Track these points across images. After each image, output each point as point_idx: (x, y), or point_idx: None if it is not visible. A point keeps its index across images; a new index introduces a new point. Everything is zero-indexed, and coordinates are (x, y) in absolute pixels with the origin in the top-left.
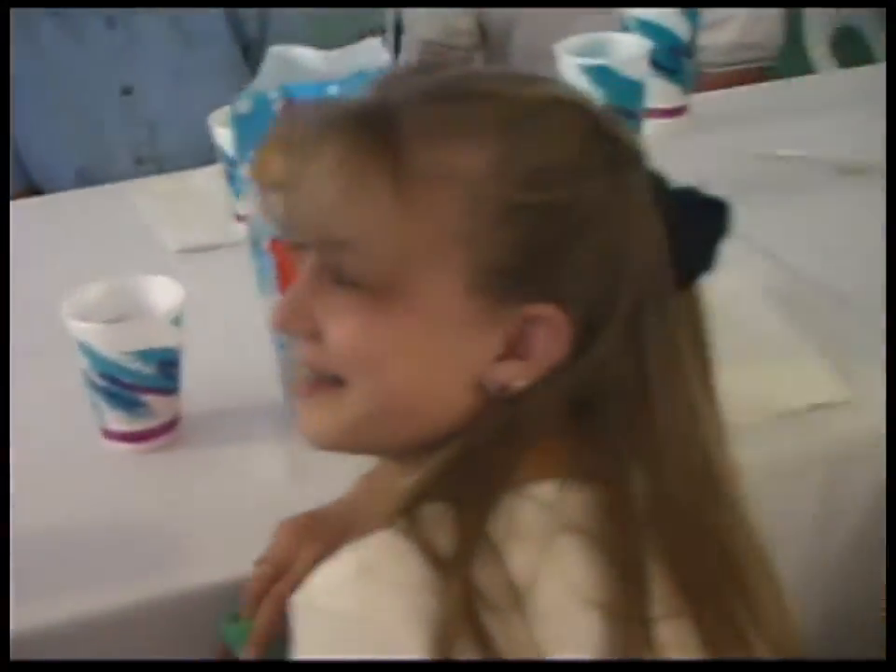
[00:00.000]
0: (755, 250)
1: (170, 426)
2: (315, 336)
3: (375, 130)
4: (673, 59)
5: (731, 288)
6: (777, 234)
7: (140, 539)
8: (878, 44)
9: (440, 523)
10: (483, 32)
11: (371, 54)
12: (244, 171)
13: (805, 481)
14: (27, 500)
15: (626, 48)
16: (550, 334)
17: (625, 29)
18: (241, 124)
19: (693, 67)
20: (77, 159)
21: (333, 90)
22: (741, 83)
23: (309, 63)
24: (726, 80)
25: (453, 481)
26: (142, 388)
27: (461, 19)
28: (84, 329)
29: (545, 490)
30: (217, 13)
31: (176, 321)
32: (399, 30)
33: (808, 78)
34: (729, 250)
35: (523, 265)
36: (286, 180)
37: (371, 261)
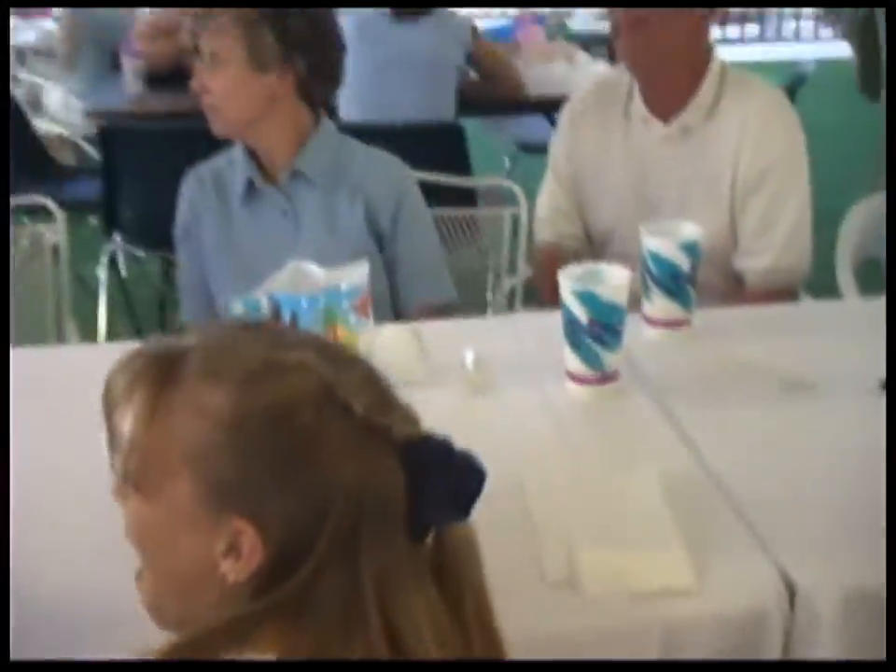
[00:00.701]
0: (683, 441)
1: None
2: None
3: (163, 365)
4: (674, 283)
5: (641, 473)
6: (711, 433)
7: None
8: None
9: None
10: (588, 237)
11: (356, 273)
12: None
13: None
14: None
15: (614, 277)
16: (249, 546)
17: (643, 259)
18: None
19: (692, 291)
20: None
21: (303, 301)
22: (776, 302)
23: (315, 275)
24: (763, 299)
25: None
26: None
27: (571, 226)
28: None
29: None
30: (358, 217)
31: None
32: None
33: (817, 304)
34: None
35: (238, 487)
36: None
37: (133, 464)
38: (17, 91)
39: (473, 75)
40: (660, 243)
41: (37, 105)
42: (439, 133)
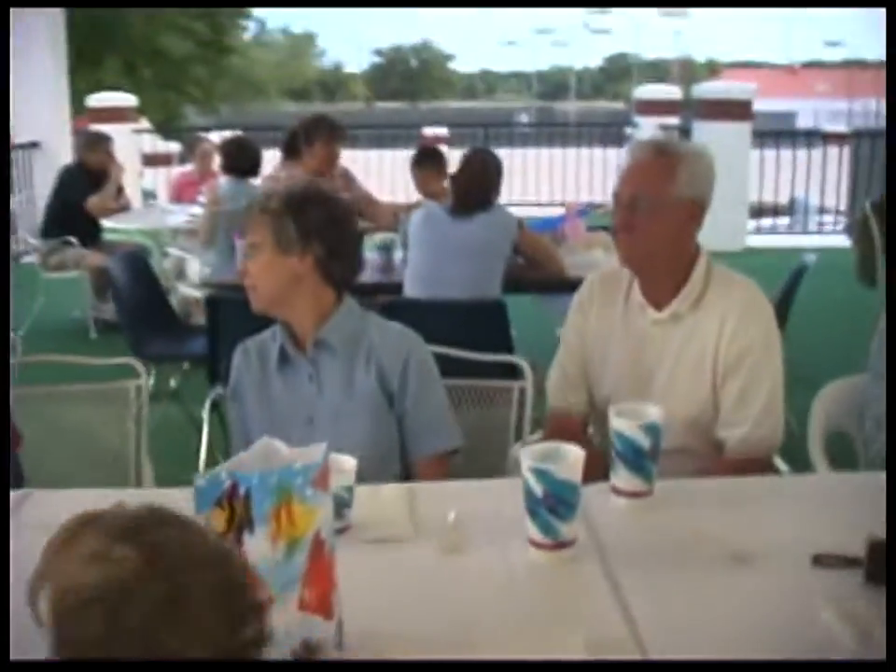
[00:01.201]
0: (619, 608)
1: None
2: None
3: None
4: (636, 459)
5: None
6: (650, 601)
7: None
8: (861, 448)
9: None
10: (592, 405)
11: (315, 452)
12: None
13: None
14: None
15: (570, 456)
16: None
17: (611, 435)
18: (199, 492)
19: (653, 466)
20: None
21: (255, 479)
22: (752, 468)
23: (282, 452)
24: (740, 465)
25: None
26: None
27: (577, 395)
28: None
29: None
30: (372, 379)
31: None
32: None
33: (782, 477)
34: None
35: None
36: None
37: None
38: (165, 262)
39: (520, 260)
40: (623, 423)
41: (182, 273)
42: (484, 309)
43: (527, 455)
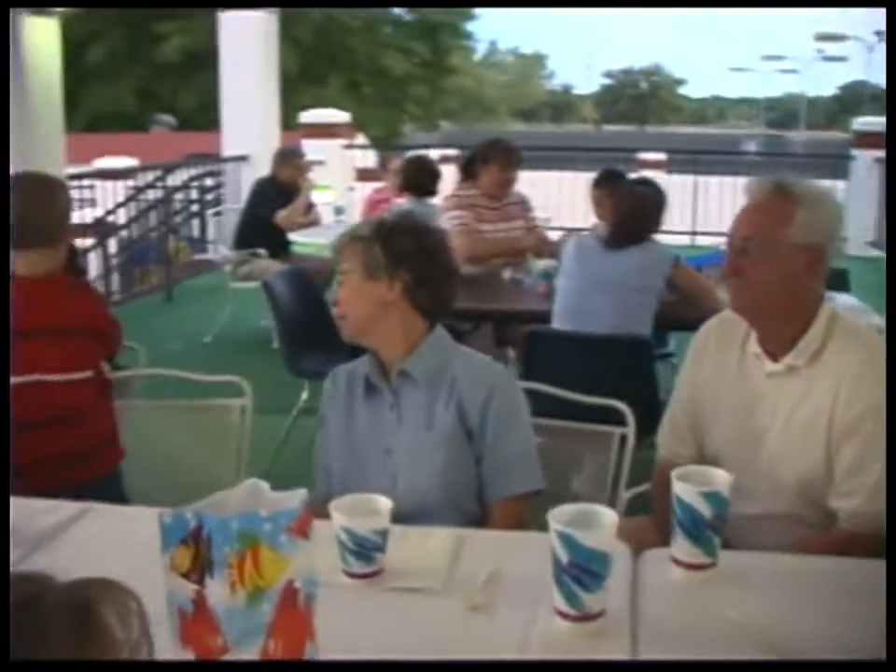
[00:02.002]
0: None
1: None
2: None
3: None
4: (694, 528)
5: None
6: None
7: None
8: None
9: None
10: (702, 458)
11: (295, 498)
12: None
13: None
14: None
15: (603, 522)
16: None
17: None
18: (164, 529)
19: (715, 537)
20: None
21: (214, 522)
22: (862, 545)
23: (266, 495)
24: (850, 540)
25: None
26: None
27: (685, 447)
28: None
29: None
30: (451, 414)
31: None
32: None
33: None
34: None
35: None
36: None
37: None
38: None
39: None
40: (684, 488)
41: None
42: (625, 345)
43: (555, 516)
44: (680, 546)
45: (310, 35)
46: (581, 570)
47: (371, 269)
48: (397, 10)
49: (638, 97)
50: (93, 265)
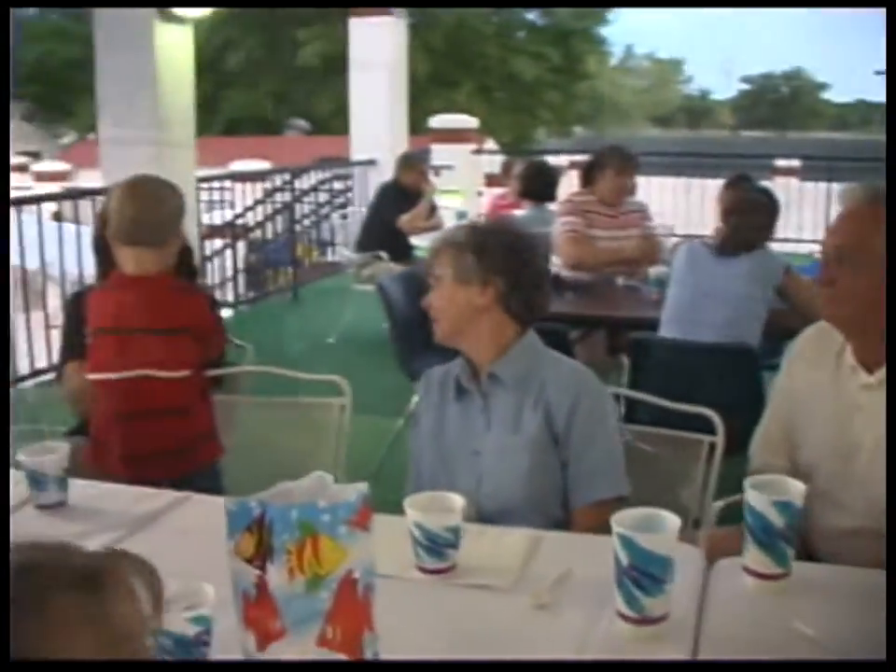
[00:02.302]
0: None
1: None
2: None
3: None
4: (766, 537)
5: None
6: None
7: None
8: None
9: None
10: (795, 469)
11: (351, 491)
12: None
13: None
14: None
15: (666, 526)
16: None
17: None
18: (230, 516)
19: (788, 548)
20: (444, 482)
21: (276, 511)
22: None
23: (330, 487)
24: None
25: None
26: None
27: (776, 458)
28: None
29: None
30: (539, 418)
31: None
32: None
33: None
34: None
35: None
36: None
37: None
38: None
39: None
40: (755, 496)
41: None
42: (734, 354)
43: (619, 518)
44: (751, 555)
45: (442, 41)
46: (640, 573)
47: (464, 274)
48: (529, 16)
49: (778, 102)
50: (225, 265)
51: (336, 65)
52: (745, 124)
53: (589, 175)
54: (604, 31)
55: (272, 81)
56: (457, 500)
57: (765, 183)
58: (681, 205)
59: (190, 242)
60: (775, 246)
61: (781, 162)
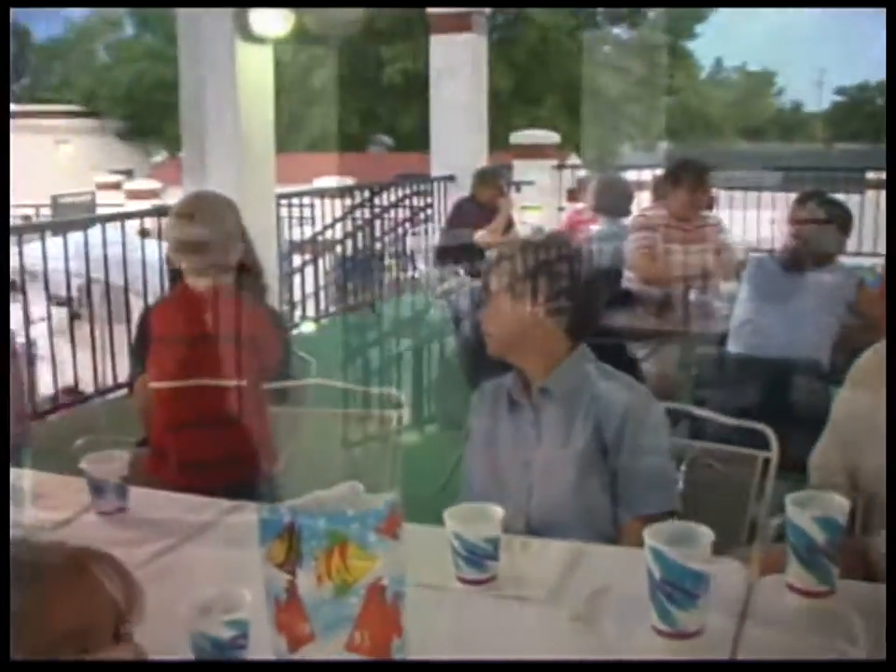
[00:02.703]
0: None
1: None
2: None
3: None
4: (808, 554)
5: None
6: None
7: None
8: None
9: None
10: (855, 488)
11: (380, 500)
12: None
13: None
14: None
15: (702, 538)
16: None
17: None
18: (262, 524)
19: (832, 565)
20: (494, 495)
21: (305, 519)
22: None
23: (361, 497)
24: None
25: None
26: None
27: (836, 478)
28: None
29: None
30: (588, 431)
31: None
32: None
33: None
34: None
35: None
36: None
37: None
38: None
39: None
40: (797, 512)
41: None
42: (802, 369)
43: (652, 532)
44: (794, 572)
45: (525, 57)
46: (673, 587)
47: (516, 289)
48: (615, 30)
49: (874, 114)
50: (308, 280)
51: (419, 82)
52: (839, 136)
53: (661, 189)
54: (692, 44)
55: (356, 98)
56: (497, 511)
57: (857, 197)
58: (766, 220)
59: (258, 256)
60: (862, 260)
61: (873, 175)
